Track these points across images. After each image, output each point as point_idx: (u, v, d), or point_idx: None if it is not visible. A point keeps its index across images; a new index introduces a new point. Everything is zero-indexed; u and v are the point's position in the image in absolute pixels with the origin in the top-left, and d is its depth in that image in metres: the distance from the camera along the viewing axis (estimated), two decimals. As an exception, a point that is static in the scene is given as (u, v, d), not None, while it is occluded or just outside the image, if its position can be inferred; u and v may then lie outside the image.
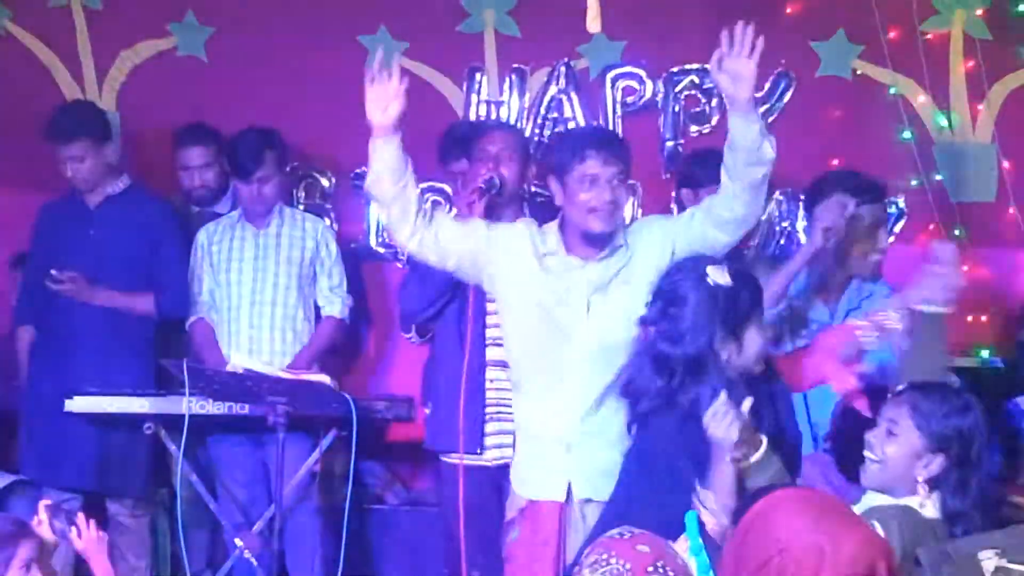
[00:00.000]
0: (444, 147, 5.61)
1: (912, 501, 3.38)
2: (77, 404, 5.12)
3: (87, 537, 3.94)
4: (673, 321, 3.60)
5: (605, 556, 2.55)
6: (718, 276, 3.54)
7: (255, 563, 5.14)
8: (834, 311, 4.66)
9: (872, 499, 3.43)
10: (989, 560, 2.89)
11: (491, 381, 4.77)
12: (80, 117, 5.47)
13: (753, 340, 3.62)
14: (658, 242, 4.09)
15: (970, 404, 3.50)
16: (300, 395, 4.98)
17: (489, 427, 4.78)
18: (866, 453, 3.49)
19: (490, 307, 4.76)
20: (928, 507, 3.37)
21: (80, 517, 3.97)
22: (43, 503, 4.00)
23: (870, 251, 4.68)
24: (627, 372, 3.75)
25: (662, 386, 3.59)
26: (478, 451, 4.73)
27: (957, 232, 5.88)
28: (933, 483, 3.39)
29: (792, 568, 2.25)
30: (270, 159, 5.41)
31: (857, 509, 3.30)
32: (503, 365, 4.73)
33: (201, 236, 5.55)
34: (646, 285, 3.88)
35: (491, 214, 4.72)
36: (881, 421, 3.50)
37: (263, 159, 5.39)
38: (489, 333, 4.76)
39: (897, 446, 3.42)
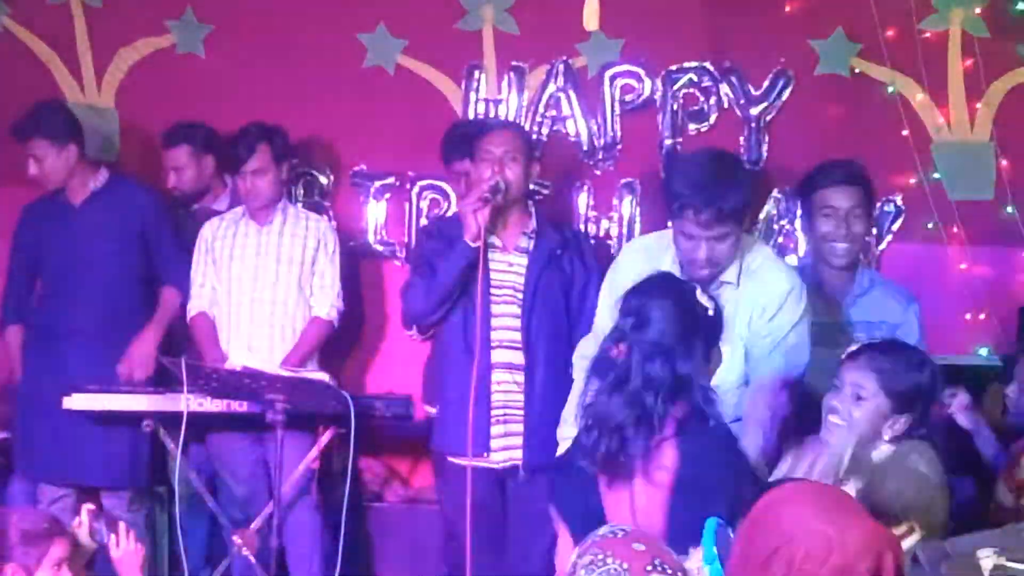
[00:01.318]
0: (447, 147, 5.61)
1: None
2: (76, 401, 5.13)
3: (125, 548, 3.90)
4: (655, 339, 3.32)
5: (601, 556, 2.54)
6: (704, 299, 3.44)
7: (253, 560, 5.15)
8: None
9: None
10: (987, 558, 2.90)
11: (497, 384, 4.78)
12: (38, 117, 5.47)
13: (718, 357, 3.49)
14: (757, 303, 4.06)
15: (925, 360, 3.63)
16: (299, 392, 4.98)
17: (496, 429, 4.78)
18: (830, 416, 3.56)
19: (495, 310, 4.77)
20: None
21: (121, 527, 3.93)
22: (86, 507, 3.97)
23: (840, 239, 4.66)
24: (596, 396, 3.37)
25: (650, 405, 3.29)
26: (484, 454, 4.74)
27: (955, 230, 5.89)
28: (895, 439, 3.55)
29: (800, 558, 2.25)
30: (264, 152, 5.39)
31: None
32: (509, 367, 4.75)
33: (206, 230, 5.55)
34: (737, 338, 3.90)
35: (496, 216, 4.73)
36: (843, 384, 3.56)
37: (255, 151, 5.37)
38: (494, 336, 4.77)
39: (864, 410, 3.53)
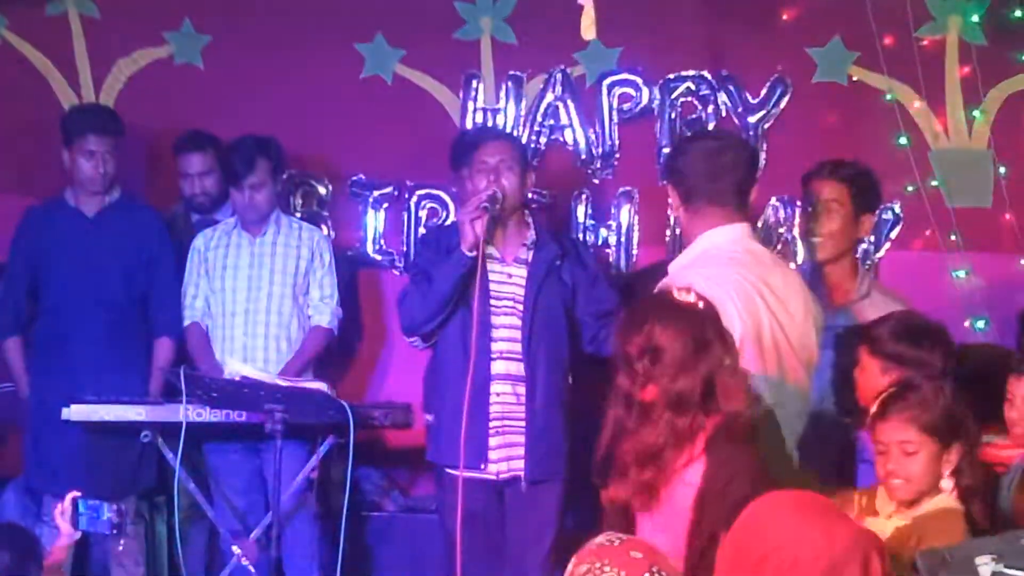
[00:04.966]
0: (456, 152, 5.61)
1: (943, 501, 3.41)
2: (75, 412, 5.11)
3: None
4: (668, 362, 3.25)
5: (599, 565, 2.54)
6: (685, 296, 3.37)
7: (252, 570, 5.15)
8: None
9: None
10: (986, 565, 2.89)
11: (497, 395, 4.77)
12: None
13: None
14: None
15: (942, 382, 3.54)
16: (297, 402, 4.98)
17: (494, 440, 4.77)
18: (890, 483, 3.44)
19: (495, 321, 4.77)
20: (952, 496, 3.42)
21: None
22: (72, 494, 3.93)
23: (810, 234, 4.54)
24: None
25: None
26: (481, 465, 4.73)
27: (953, 237, 5.89)
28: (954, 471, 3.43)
29: (789, 563, 2.27)
30: (263, 166, 5.39)
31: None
32: (508, 379, 4.74)
33: (198, 241, 5.54)
34: None
35: (494, 227, 4.73)
36: (888, 446, 3.44)
37: (255, 165, 5.38)
38: (494, 347, 4.76)
39: (919, 461, 3.40)
